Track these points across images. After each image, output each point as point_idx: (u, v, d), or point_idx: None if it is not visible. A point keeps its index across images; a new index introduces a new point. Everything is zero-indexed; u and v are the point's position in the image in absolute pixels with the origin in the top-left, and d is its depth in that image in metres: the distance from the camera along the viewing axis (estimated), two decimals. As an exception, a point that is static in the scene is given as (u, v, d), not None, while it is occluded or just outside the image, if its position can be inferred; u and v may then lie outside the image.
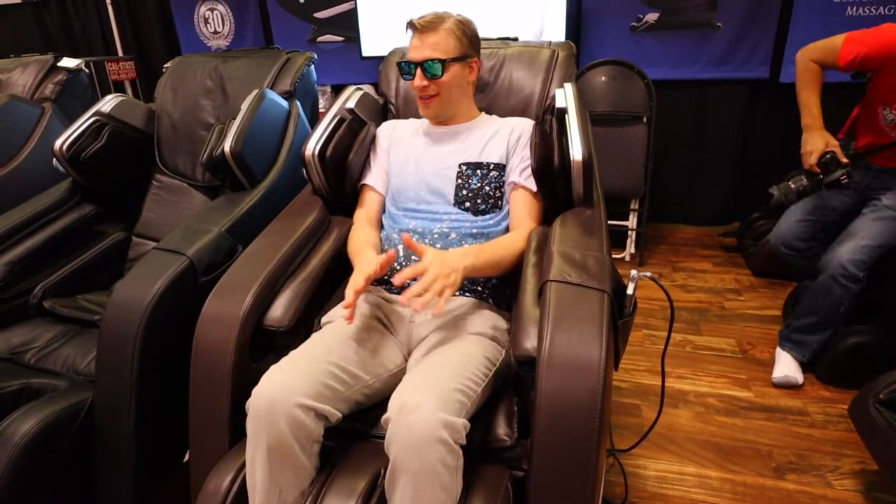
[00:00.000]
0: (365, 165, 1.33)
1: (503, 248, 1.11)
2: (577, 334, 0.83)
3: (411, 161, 1.27)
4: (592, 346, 0.82)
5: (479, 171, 1.22)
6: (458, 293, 1.12)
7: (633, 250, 2.79)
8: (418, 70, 1.18)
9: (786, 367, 1.80)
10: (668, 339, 1.07)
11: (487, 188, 1.21)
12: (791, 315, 1.85)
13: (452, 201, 1.21)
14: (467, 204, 1.20)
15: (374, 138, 1.35)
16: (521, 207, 1.20)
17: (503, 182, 1.23)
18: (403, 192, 1.26)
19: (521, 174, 1.21)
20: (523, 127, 1.25)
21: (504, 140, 1.23)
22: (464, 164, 1.23)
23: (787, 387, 1.77)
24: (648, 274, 0.89)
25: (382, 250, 1.22)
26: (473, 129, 1.27)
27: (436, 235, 1.17)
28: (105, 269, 1.64)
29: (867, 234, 1.62)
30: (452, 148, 1.25)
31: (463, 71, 1.22)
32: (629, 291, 0.89)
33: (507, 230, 1.23)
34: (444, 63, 1.18)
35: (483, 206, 1.20)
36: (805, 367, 1.82)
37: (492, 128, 1.26)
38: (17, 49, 3.20)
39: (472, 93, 1.30)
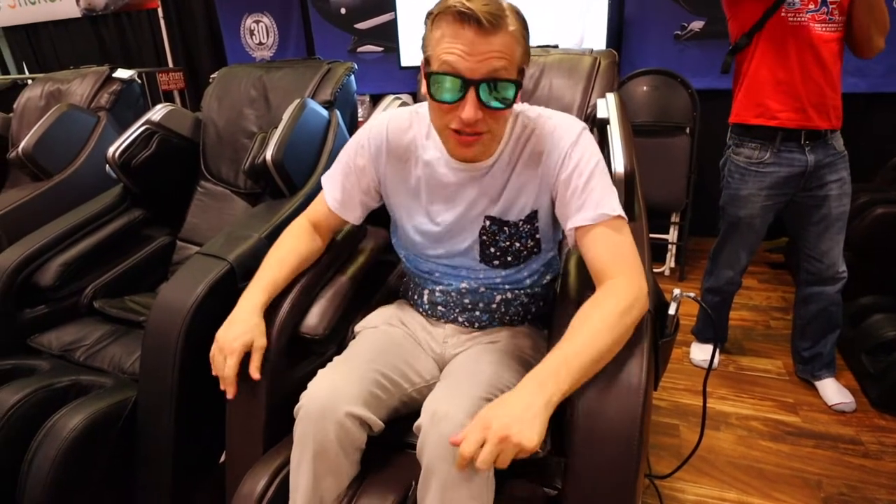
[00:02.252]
0: (338, 170, 1.04)
1: (601, 331, 0.75)
2: (617, 354, 0.80)
3: (424, 207, 0.98)
4: (632, 366, 0.79)
5: (506, 229, 0.95)
6: (496, 324, 1.05)
7: (673, 265, 2.71)
8: (471, 92, 0.78)
9: (840, 391, 1.73)
10: (711, 364, 1.01)
11: (518, 244, 0.97)
12: (816, 346, 1.77)
13: (479, 258, 0.98)
14: (496, 262, 0.98)
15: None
16: (605, 249, 0.84)
17: (538, 228, 0.96)
18: (417, 242, 1.01)
19: (587, 210, 0.85)
20: (562, 147, 0.88)
21: (535, 180, 0.91)
22: (489, 217, 0.95)
23: (851, 410, 1.70)
24: (692, 294, 0.85)
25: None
26: (498, 165, 0.92)
27: (463, 290, 1.02)
28: (151, 272, 1.70)
29: (838, 247, 1.64)
30: (474, 195, 0.94)
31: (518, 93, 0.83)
32: (671, 312, 0.86)
33: (550, 276, 1.05)
34: (518, 85, 0.80)
35: (515, 262, 0.99)
36: (857, 392, 1.75)
37: (519, 160, 0.91)
38: (76, 60, 3.38)
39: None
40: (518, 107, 0.93)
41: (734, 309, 2.28)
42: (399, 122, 0.99)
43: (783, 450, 1.56)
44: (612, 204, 0.86)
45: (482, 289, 1.02)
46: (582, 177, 0.86)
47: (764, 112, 1.56)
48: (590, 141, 0.90)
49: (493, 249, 0.97)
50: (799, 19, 1.47)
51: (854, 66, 2.49)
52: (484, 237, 0.96)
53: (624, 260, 0.83)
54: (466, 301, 1.04)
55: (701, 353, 1.98)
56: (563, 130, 0.90)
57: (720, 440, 1.60)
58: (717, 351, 2.00)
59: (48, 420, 1.08)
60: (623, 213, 0.86)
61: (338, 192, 1.03)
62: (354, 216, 1.06)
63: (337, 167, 1.04)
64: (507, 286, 1.02)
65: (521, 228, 0.95)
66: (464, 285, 1.02)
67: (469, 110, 0.79)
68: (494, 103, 0.80)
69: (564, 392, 0.72)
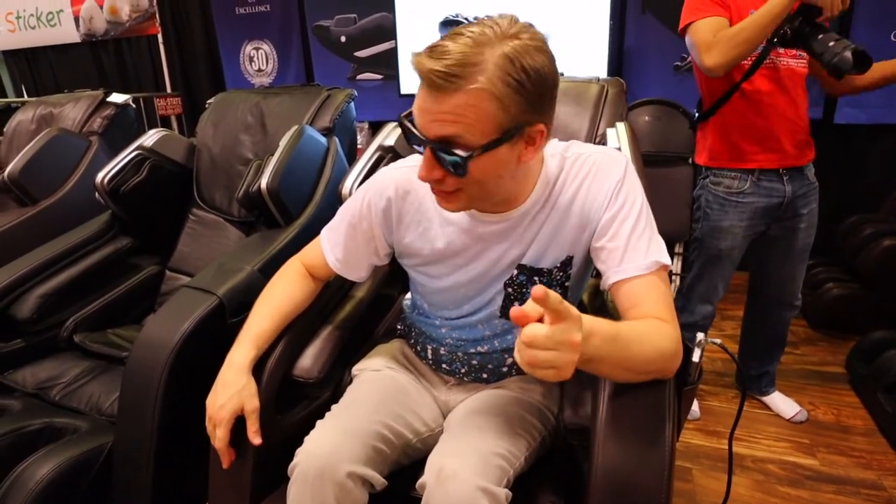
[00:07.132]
0: (341, 229, 0.95)
1: (644, 337, 0.70)
2: (638, 402, 0.74)
3: (451, 268, 0.89)
4: (656, 417, 0.72)
5: (536, 279, 0.86)
6: (505, 369, 0.96)
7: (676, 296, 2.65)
8: (427, 150, 0.71)
9: (789, 402, 1.82)
10: (739, 416, 0.90)
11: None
12: (765, 365, 1.84)
13: (499, 314, 0.90)
14: None
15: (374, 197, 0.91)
16: (652, 304, 0.75)
17: (570, 275, 0.87)
18: (433, 293, 0.94)
19: (635, 259, 0.76)
20: (608, 187, 0.80)
21: (575, 224, 0.82)
22: (520, 266, 0.86)
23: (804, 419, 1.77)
24: (718, 341, 0.78)
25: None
26: (529, 212, 0.83)
27: (472, 353, 0.95)
28: (137, 303, 1.62)
29: (800, 276, 1.69)
30: (506, 245, 0.85)
31: (511, 152, 0.71)
32: (695, 358, 0.79)
33: None
34: (467, 159, 0.68)
35: None
36: (875, 432, 1.69)
37: (555, 206, 0.82)
38: (74, 85, 3.36)
39: (536, 167, 0.82)
40: (552, 147, 0.85)
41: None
42: (407, 182, 0.88)
43: (803, 496, 1.47)
44: (659, 251, 0.78)
45: (494, 353, 0.95)
46: (628, 220, 0.78)
47: (740, 155, 1.56)
48: (634, 177, 0.82)
49: (518, 303, 0.84)
50: (775, 61, 1.46)
51: (851, 98, 2.49)
52: (510, 289, 0.87)
53: (670, 314, 0.75)
54: (475, 362, 0.96)
55: None
56: (607, 168, 0.81)
57: (737, 485, 1.51)
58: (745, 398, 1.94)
59: (15, 468, 0.99)
60: (669, 261, 0.78)
61: (340, 252, 0.95)
62: (359, 276, 0.98)
63: (339, 225, 0.95)
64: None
65: (555, 276, 0.86)
66: (473, 350, 0.95)
67: (422, 168, 0.72)
68: (451, 168, 0.70)
69: (591, 358, 0.63)
